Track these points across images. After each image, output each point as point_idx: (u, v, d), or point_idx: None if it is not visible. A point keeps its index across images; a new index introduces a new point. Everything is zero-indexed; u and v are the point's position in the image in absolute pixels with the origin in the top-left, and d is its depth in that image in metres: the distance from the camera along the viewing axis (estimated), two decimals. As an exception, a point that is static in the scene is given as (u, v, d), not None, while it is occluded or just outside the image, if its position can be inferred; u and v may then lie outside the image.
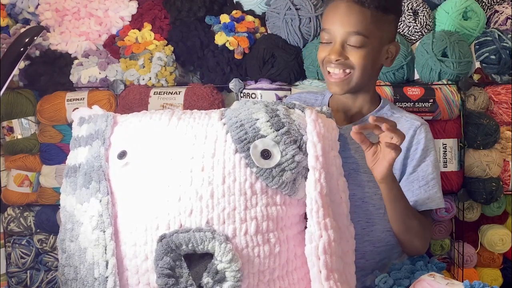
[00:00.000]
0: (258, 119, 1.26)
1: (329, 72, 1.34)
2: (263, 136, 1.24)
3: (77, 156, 1.35)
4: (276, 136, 1.24)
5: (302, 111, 1.31)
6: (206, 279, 1.14)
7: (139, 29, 1.81)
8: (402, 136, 1.20)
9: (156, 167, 1.24)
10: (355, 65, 1.32)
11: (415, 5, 1.75)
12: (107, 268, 1.19)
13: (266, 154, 1.22)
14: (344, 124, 1.41)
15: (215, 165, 1.21)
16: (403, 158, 1.37)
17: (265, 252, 1.19)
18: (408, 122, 1.39)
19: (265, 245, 1.19)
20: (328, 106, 1.45)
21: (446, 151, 1.72)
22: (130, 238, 1.20)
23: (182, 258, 1.15)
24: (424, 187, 1.37)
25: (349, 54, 1.31)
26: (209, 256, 1.15)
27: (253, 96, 1.73)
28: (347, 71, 1.32)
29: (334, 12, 1.31)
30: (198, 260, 1.16)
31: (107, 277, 1.18)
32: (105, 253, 1.20)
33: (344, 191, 1.29)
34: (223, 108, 1.38)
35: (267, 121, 1.25)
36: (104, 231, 1.21)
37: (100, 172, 1.27)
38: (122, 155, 1.28)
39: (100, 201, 1.24)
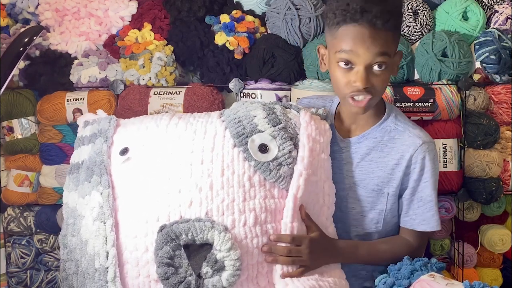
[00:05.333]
0: (255, 116, 1.30)
1: (352, 98, 1.30)
2: (260, 131, 1.27)
3: (80, 154, 1.39)
4: (273, 131, 1.27)
5: (298, 112, 1.35)
6: (205, 269, 1.16)
7: (139, 29, 1.81)
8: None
9: (156, 161, 1.27)
10: (378, 90, 1.30)
11: (415, 5, 1.75)
12: (107, 259, 1.20)
13: (263, 148, 1.26)
14: (348, 137, 1.40)
15: (214, 158, 1.24)
16: (402, 174, 1.35)
17: (264, 243, 1.22)
18: (410, 139, 1.36)
19: (263, 236, 1.22)
20: (335, 114, 1.44)
21: (446, 151, 1.72)
22: (131, 230, 1.22)
23: (182, 248, 1.17)
24: (422, 208, 1.36)
25: (373, 78, 1.28)
26: (208, 246, 1.17)
27: (253, 96, 1.73)
28: (370, 96, 1.29)
29: (354, 37, 1.25)
30: (197, 250, 1.18)
31: (107, 267, 1.20)
32: (106, 243, 1.22)
33: (329, 194, 1.32)
34: (222, 109, 1.41)
35: (265, 118, 1.29)
36: (105, 222, 1.23)
37: (101, 166, 1.30)
38: (124, 151, 1.31)
39: (101, 193, 1.26)
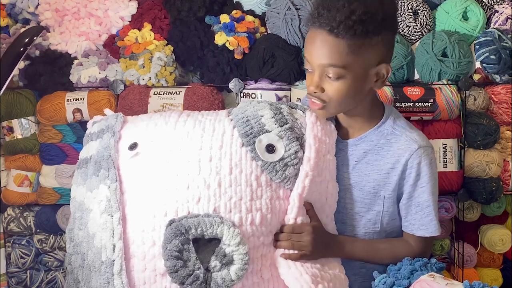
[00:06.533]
0: (263, 116, 1.32)
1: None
2: (267, 131, 1.29)
3: (88, 149, 1.41)
4: (280, 132, 1.29)
5: (303, 112, 1.36)
6: (214, 263, 1.17)
7: (139, 29, 1.81)
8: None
9: (165, 157, 1.28)
10: (331, 97, 1.27)
11: (415, 5, 1.75)
12: (114, 251, 1.21)
13: (270, 148, 1.27)
14: (346, 139, 1.40)
15: (222, 156, 1.25)
16: (398, 178, 1.34)
17: (270, 240, 1.25)
18: (406, 143, 1.34)
19: (269, 235, 1.25)
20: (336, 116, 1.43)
21: (446, 151, 1.72)
22: (139, 224, 1.24)
23: (191, 242, 1.18)
24: (420, 213, 1.36)
25: (326, 85, 1.26)
26: (216, 241, 1.19)
27: (253, 96, 1.73)
28: (320, 103, 1.29)
29: (311, 42, 1.25)
30: (205, 244, 1.19)
31: (113, 260, 1.21)
32: (113, 236, 1.23)
33: (332, 194, 1.34)
34: (230, 108, 1.42)
35: (272, 117, 1.31)
36: (112, 215, 1.24)
37: (109, 160, 1.31)
38: (133, 146, 1.33)
39: (109, 187, 1.27)
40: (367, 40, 1.22)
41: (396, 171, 1.34)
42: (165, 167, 1.27)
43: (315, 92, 1.27)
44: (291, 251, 1.26)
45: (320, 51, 1.23)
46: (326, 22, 1.20)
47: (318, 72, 1.25)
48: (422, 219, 1.36)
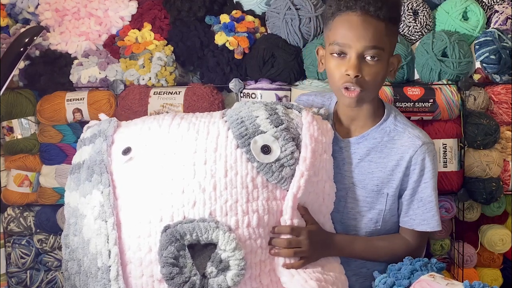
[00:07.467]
0: (258, 116, 1.30)
1: (346, 88, 1.30)
2: (263, 132, 1.27)
3: (81, 154, 1.40)
4: (276, 132, 1.28)
5: (299, 112, 1.36)
6: (210, 269, 1.17)
7: (139, 29, 1.81)
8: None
9: (159, 162, 1.27)
10: (368, 82, 1.28)
11: (415, 5, 1.75)
12: (109, 257, 1.21)
13: (266, 149, 1.26)
14: (347, 137, 1.40)
15: (217, 159, 1.24)
16: (402, 175, 1.36)
17: (267, 243, 1.23)
18: (409, 140, 1.36)
19: (266, 237, 1.23)
20: (334, 113, 1.44)
21: (446, 151, 1.72)
22: (134, 230, 1.23)
23: (186, 248, 1.17)
24: (422, 208, 1.37)
25: (364, 68, 1.27)
26: (212, 246, 1.18)
27: (253, 96, 1.73)
28: (359, 89, 1.29)
29: (348, 26, 1.27)
30: (201, 250, 1.18)
31: (109, 266, 1.21)
32: (108, 242, 1.22)
33: (329, 194, 1.34)
34: (224, 109, 1.40)
35: (267, 118, 1.30)
36: (106, 221, 1.24)
37: (102, 165, 1.30)
38: (127, 151, 1.32)
39: (102, 192, 1.27)
40: (395, 27, 1.33)
41: (401, 168, 1.35)
42: (160, 172, 1.26)
43: (356, 76, 1.27)
44: (292, 260, 1.25)
45: (363, 32, 1.26)
46: (368, 4, 1.25)
47: (356, 55, 1.26)
48: (424, 214, 1.36)
